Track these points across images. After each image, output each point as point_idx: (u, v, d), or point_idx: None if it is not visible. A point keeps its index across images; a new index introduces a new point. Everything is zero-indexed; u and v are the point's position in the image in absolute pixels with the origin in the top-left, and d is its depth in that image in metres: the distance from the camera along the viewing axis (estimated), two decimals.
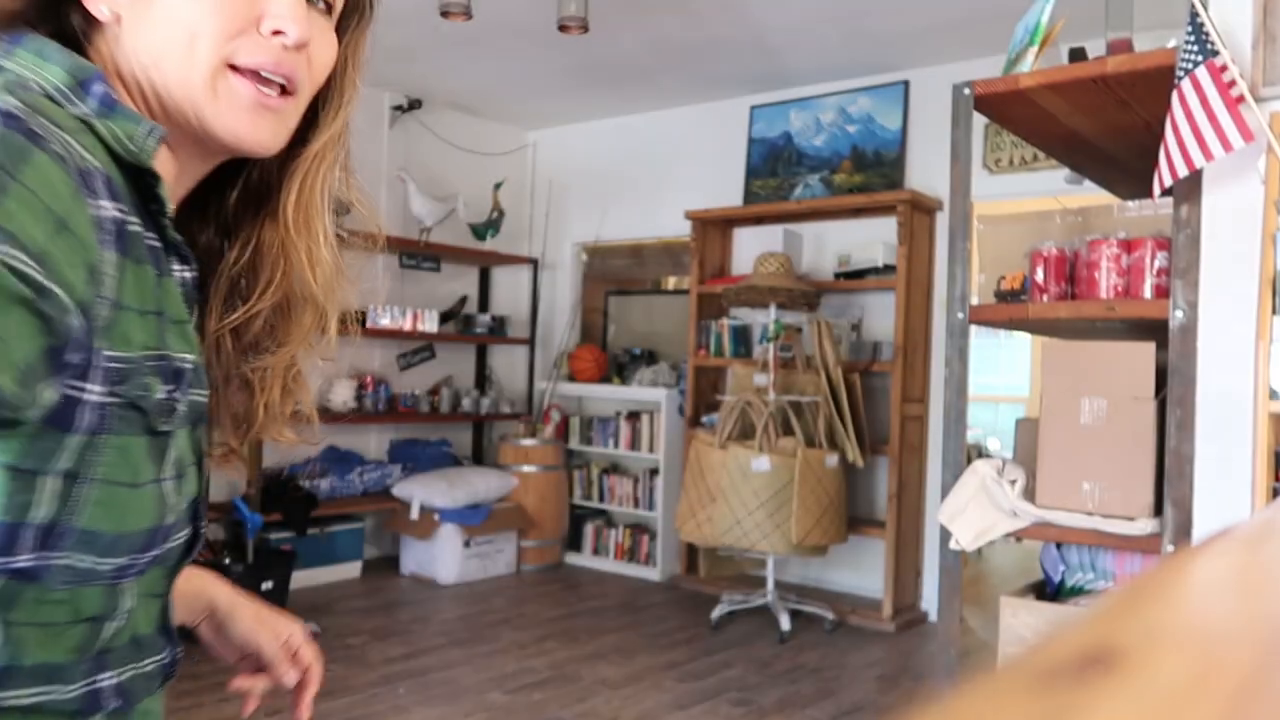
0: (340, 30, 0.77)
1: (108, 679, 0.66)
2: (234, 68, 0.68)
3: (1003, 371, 8.93)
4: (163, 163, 0.69)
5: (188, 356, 0.67)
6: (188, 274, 0.70)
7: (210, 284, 0.77)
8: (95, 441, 0.60)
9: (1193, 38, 1.89)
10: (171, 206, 0.69)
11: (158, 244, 0.66)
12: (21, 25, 0.66)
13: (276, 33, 0.68)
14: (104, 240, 0.59)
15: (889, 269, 4.88)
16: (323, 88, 0.76)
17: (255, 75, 0.69)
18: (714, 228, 5.57)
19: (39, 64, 0.64)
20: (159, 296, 0.65)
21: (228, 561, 3.98)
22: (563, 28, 3.90)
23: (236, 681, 0.93)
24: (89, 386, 0.59)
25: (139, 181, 0.65)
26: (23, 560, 0.59)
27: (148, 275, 0.64)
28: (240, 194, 0.80)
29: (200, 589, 0.91)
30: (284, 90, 0.70)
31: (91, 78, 0.65)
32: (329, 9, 0.75)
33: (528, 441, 5.72)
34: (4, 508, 0.58)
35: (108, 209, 0.60)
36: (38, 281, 0.53)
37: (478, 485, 5.36)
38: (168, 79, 0.68)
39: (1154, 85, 2.06)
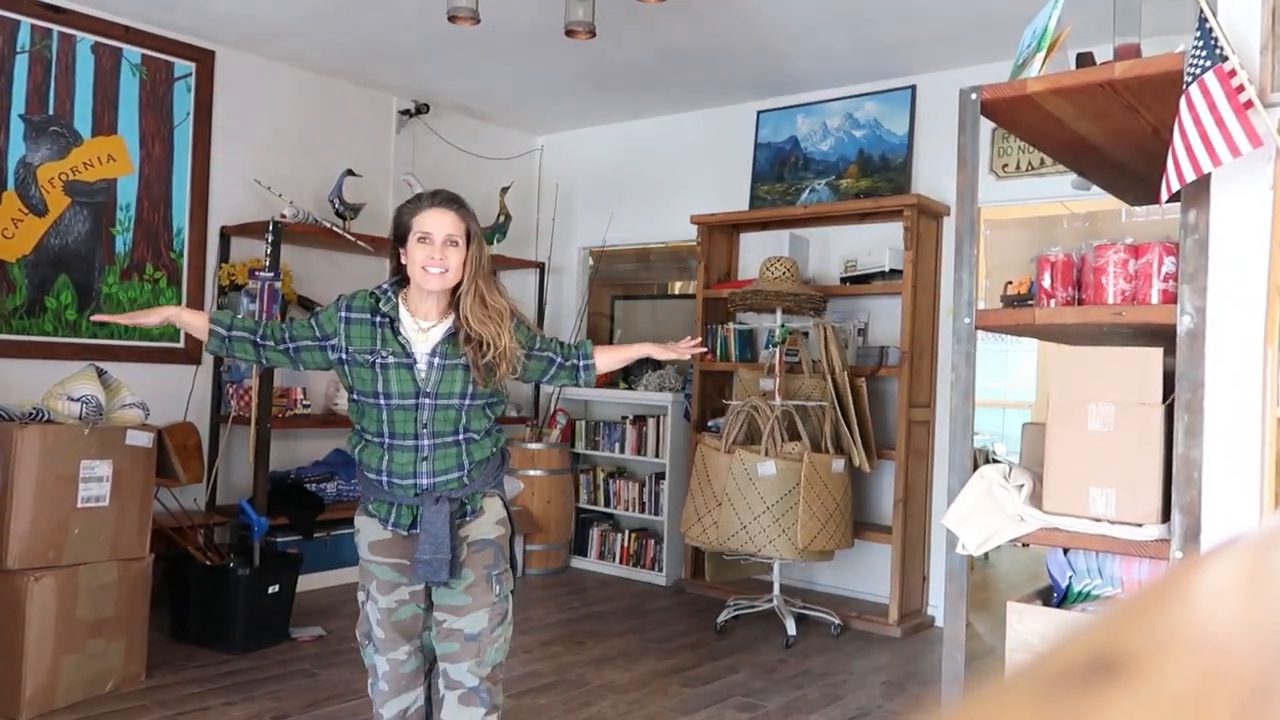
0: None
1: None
2: (424, 269, 2.32)
3: (1010, 376, 8.92)
4: (411, 301, 2.37)
5: (386, 348, 2.34)
6: (397, 325, 2.35)
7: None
8: (347, 366, 2.39)
9: (1201, 43, 1.88)
10: (404, 314, 2.36)
11: (383, 320, 2.35)
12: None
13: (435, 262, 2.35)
14: (340, 319, 2.37)
15: (895, 274, 4.88)
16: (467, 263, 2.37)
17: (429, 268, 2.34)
18: (720, 232, 5.57)
19: (393, 287, 2.39)
20: (374, 334, 2.34)
21: (233, 564, 3.98)
22: (570, 33, 3.90)
23: None
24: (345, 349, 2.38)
25: (389, 310, 2.38)
26: None
27: (365, 327, 2.35)
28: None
29: None
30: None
31: (387, 288, 2.38)
32: (457, 244, 2.33)
33: (534, 445, 5.72)
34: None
35: (344, 314, 2.36)
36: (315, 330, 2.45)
37: None
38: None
39: (1162, 90, 2.06)
